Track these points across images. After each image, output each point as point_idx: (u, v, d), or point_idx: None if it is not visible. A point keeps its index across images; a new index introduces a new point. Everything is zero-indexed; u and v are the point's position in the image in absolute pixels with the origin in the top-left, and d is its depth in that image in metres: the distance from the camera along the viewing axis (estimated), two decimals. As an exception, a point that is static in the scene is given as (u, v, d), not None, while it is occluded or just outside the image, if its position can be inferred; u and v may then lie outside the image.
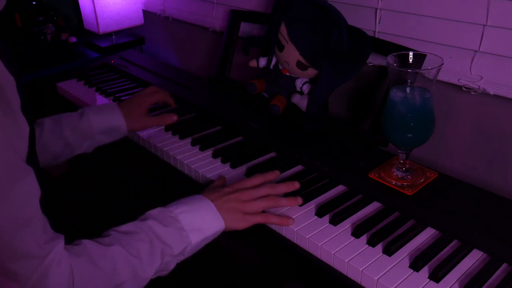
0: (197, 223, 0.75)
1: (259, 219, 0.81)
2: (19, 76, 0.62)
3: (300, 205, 0.86)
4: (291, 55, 1.08)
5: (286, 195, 0.85)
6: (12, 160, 0.57)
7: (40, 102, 1.59)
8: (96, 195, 1.12)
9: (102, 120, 1.01)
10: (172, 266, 0.74)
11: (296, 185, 0.85)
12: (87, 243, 0.67)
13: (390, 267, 0.72)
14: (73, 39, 1.87)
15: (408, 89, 0.84)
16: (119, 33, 1.83)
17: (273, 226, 0.84)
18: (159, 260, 0.71)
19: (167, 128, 1.14)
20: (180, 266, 0.76)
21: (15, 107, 0.58)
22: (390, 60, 0.84)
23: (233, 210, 0.79)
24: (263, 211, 0.83)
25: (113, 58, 1.65)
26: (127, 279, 0.67)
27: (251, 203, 0.81)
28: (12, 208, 0.57)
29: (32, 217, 0.60)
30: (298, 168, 0.98)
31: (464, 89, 0.96)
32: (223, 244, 1.00)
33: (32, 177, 0.60)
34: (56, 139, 0.96)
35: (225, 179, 0.93)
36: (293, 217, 0.83)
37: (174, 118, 1.10)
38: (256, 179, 0.85)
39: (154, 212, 0.75)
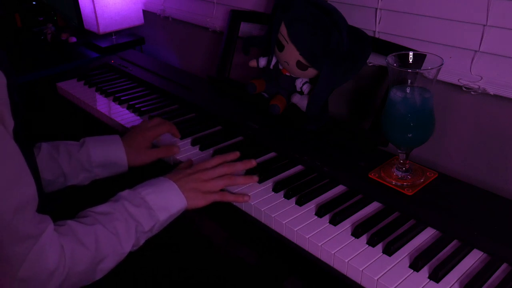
0: (163, 202, 0.82)
1: (216, 197, 0.87)
2: (11, 76, 0.64)
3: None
4: (291, 55, 1.08)
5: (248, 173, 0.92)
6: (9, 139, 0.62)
7: (40, 102, 1.59)
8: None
9: (102, 153, 0.97)
10: (142, 241, 0.81)
11: (252, 163, 0.92)
12: (71, 223, 0.73)
13: (390, 267, 0.72)
14: (73, 39, 1.87)
15: (408, 89, 0.84)
16: (119, 33, 1.83)
17: (273, 227, 0.84)
18: (134, 236, 0.78)
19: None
20: (181, 266, 0.77)
21: (2, 106, 0.61)
22: (390, 60, 0.84)
23: (193, 189, 0.86)
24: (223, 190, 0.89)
25: (113, 58, 1.65)
26: (108, 254, 0.74)
27: (209, 182, 0.87)
28: (15, 193, 0.61)
29: (30, 200, 0.64)
30: (298, 168, 0.98)
31: (464, 89, 0.96)
32: (222, 245, 1.00)
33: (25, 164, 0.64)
34: (50, 165, 0.93)
35: (191, 161, 0.96)
36: (293, 217, 0.83)
37: (176, 150, 1.03)
38: (216, 160, 0.92)
39: (124, 193, 0.81)
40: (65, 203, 0.85)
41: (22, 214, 0.63)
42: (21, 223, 0.62)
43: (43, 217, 0.68)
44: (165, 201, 0.82)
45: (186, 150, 1.06)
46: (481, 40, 0.92)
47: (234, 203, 0.90)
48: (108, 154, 0.97)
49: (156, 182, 0.85)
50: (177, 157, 1.03)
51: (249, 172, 0.94)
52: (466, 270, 0.72)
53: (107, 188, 1.02)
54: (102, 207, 0.78)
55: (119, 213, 0.77)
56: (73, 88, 1.44)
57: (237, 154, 0.95)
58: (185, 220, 1.06)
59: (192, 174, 0.87)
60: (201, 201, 0.86)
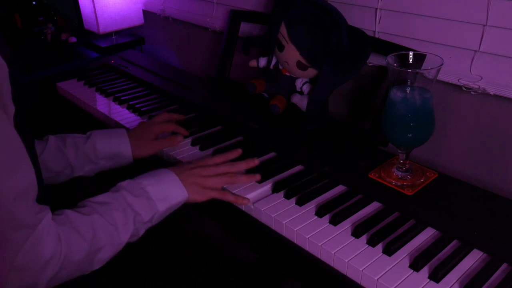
0: (163, 193, 0.82)
1: (216, 195, 0.87)
2: (13, 65, 0.64)
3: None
4: (291, 55, 1.08)
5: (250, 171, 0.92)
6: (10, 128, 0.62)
7: (40, 102, 1.59)
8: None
9: (107, 145, 0.99)
10: (142, 232, 0.80)
11: (255, 162, 0.92)
12: (69, 213, 0.73)
13: (390, 267, 0.72)
14: (73, 39, 1.87)
15: (408, 89, 0.84)
16: (119, 33, 1.83)
17: (273, 227, 0.84)
18: (132, 226, 0.78)
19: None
20: (181, 266, 0.77)
21: (4, 93, 0.61)
22: (390, 60, 0.84)
23: (194, 183, 0.86)
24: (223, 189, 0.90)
25: (113, 58, 1.65)
26: (106, 244, 0.74)
27: (211, 178, 0.87)
28: (14, 180, 0.62)
29: (29, 188, 0.65)
30: (298, 168, 0.98)
31: (464, 89, 0.96)
32: (222, 245, 1.00)
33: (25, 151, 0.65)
34: (57, 157, 0.95)
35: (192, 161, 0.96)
36: (293, 217, 0.83)
37: (180, 139, 1.05)
38: (218, 158, 0.92)
39: (125, 183, 0.81)
40: (69, 194, 0.85)
41: (21, 201, 0.63)
42: (20, 211, 0.63)
43: (41, 206, 0.68)
44: (166, 192, 0.82)
45: (186, 150, 1.06)
46: (481, 40, 0.92)
47: (234, 204, 0.90)
48: (113, 147, 0.99)
49: (157, 173, 0.85)
50: (177, 157, 1.03)
51: (250, 171, 0.94)
52: (466, 270, 0.72)
53: (111, 179, 1.04)
54: (101, 197, 0.78)
55: (118, 203, 0.77)
56: (73, 88, 1.44)
57: (239, 151, 0.95)
58: (185, 219, 1.06)
59: (194, 169, 0.88)
60: (200, 196, 0.87)
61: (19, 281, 0.64)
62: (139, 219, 0.78)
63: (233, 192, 0.90)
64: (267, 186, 0.92)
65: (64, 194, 0.81)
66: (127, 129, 1.06)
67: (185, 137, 1.11)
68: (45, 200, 0.71)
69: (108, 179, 1.03)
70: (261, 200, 0.88)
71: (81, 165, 0.98)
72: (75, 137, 0.99)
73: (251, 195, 0.89)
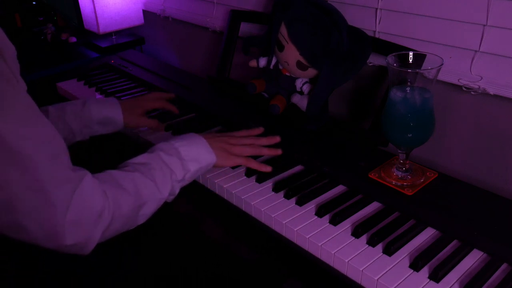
0: (194, 154, 0.87)
1: (242, 161, 0.93)
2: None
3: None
4: (291, 55, 1.08)
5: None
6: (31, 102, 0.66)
7: (40, 102, 1.59)
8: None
9: (101, 110, 1.06)
10: (177, 190, 0.85)
11: (277, 139, 0.98)
12: (111, 172, 0.78)
13: (390, 267, 0.72)
14: (73, 39, 1.87)
15: (408, 89, 0.84)
16: (119, 33, 1.83)
17: (273, 227, 0.84)
18: (170, 183, 0.83)
19: (167, 128, 1.15)
20: (181, 265, 0.77)
21: (15, 72, 0.64)
22: (390, 60, 0.84)
23: (222, 149, 0.92)
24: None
25: (113, 58, 1.65)
26: (148, 199, 0.79)
27: (238, 146, 0.94)
28: (48, 140, 0.66)
29: (63, 149, 0.69)
30: (298, 168, 0.98)
31: (464, 89, 0.96)
32: (223, 244, 1.00)
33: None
34: (60, 125, 1.00)
35: None
36: (293, 217, 0.83)
37: (161, 128, 1.15)
38: (243, 132, 0.99)
39: (160, 145, 0.87)
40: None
41: (59, 160, 0.66)
42: (60, 169, 0.66)
43: (79, 167, 0.71)
44: (196, 153, 0.88)
45: (186, 150, 1.06)
46: (481, 40, 0.92)
47: (234, 203, 0.90)
48: (107, 112, 1.07)
49: (189, 136, 0.91)
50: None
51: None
52: (466, 270, 0.72)
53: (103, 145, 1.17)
54: (139, 158, 0.83)
55: (155, 162, 0.82)
56: (73, 88, 1.44)
57: (261, 129, 1.01)
58: (186, 219, 1.06)
59: (222, 137, 0.94)
60: (228, 161, 0.92)
61: (76, 235, 0.67)
62: (174, 177, 0.83)
63: (234, 191, 0.90)
64: (267, 186, 0.92)
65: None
66: (119, 100, 1.13)
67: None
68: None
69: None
70: (261, 200, 0.88)
71: (79, 130, 1.04)
72: (72, 104, 1.05)
73: (251, 195, 0.89)
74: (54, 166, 0.65)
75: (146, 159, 0.83)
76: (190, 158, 0.86)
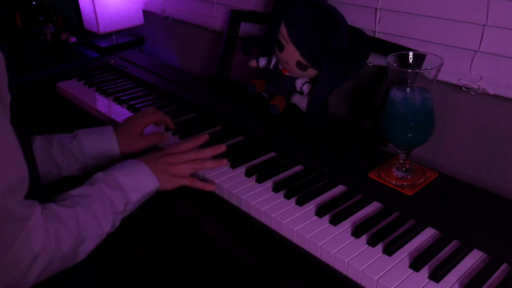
0: (135, 183, 0.84)
1: (185, 182, 0.90)
2: (10, 59, 0.65)
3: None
4: (291, 55, 1.08)
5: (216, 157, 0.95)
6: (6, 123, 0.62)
7: (40, 102, 1.59)
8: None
9: (94, 143, 0.99)
10: (118, 222, 0.82)
11: (222, 148, 0.94)
12: (53, 206, 0.73)
13: (390, 267, 0.72)
14: (73, 39, 1.87)
15: (408, 89, 0.84)
16: (119, 33, 1.83)
17: (273, 227, 0.84)
18: (111, 217, 0.80)
19: (167, 128, 1.14)
20: (180, 265, 0.77)
21: (2, 84, 0.62)
22: (390, 60, 0.84)
23: (163, 172, 0.88)
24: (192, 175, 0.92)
25: (113, 58, 1.65)
26: (89, 235, 0.76)
27: (179, 166, 0.89)
28: (6, 172, 0.61)
29: (21, 182, 0.65)
30: (298, 168, 0.98)
31: (464, 89, 0.96)
32: (222, 244, 1.00)
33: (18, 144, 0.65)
34: (44, 157, 0.94)
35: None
36: (293, 217, 0.83)
37: (167, 136, 1.07)
38: (186, 145, 0.94)
39: (99, 176, 0.83)
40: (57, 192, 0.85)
41: (13, 194, 0.63)
42: (12, 204, 0.62)
43: (31, 201, 0.68)
44: (138, 182, 0.84)
45: (186, 150, 1.06)
46: (481, 40, 0.92)
47: (234, 203, 0.90)
48: (100, 145, 0.99)
49: (128, 164, 0.87)
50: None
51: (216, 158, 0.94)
52: (466, 270, 0.72)
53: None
54: (79, 190, 0.80)
55: (96, 195, 0.79)
56: (73, 88, 1.44)
57: (206, 137, 0.97)
58: (185, 219, 1.06)
59: (161, 157, 0.90)
60: (169, 184, 0.89)
61: (8, 277, 0.63)
62: (115, 209, 0.80)
63: (234, 191, 0.90)
64: (267, 186, 0.92)
65: (54, 195, 0.80)
66: (115, 125, 1.05)
67: (185, 137, 1.11)
68: (39, 195, 0.71)
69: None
70: (261, 200, 0.88)
71: (68, 164, 0.97)
72: (61, 136, 0.99)
73: (251, 195, 0.89)
74: (8, 201, 0.61)
75: (87, 191, 0.79)
76: (132, 188, 0.83)
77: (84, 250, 0.76)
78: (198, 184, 0.91)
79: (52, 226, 0.70)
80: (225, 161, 0.94)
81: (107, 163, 0.99)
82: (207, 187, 0.91)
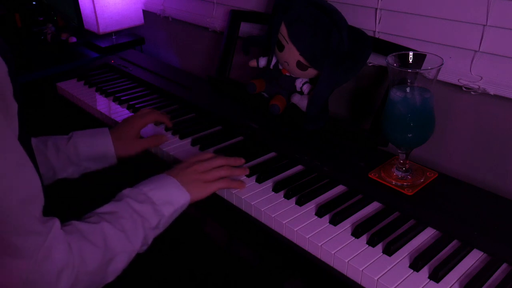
0: (166, 197, 0.81)
1: (220, 185, 0.88)
2: (13, 63, 0.63)
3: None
4: (291, 55, 1.08)
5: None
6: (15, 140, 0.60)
7: (40, 102, 1.59)
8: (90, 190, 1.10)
9: (89, 145, 0.97)
10: (150, 240, 0.79)
11: (242, 160, 0.94)
12: (75, 222, 0.71)
13: (390, 267, 0.72)
14: (73, 39, 1.87)
15: (408, 89, 0.84)
16: (119, 33, 1.83)
17: (273, 227, 0.84)
18: (142, 232, 0.76)
19: (167, 128, 1.14)
20: (182, 265, 0.77)
21: (6, 93, 0.60)
22: (390, 60, 0.84)
23: (194, 181, 0.85)
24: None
25: (113, 58, 1.65)
26: (118, 253, 0.72)
27: (209, 172, 0.88)
28: (20, 184, 0.60)
29: (36, 196, 0.63)
30: (298, 168, 0.98)
31: (464, 89, 0.96)
32: (223, 245, 1.00)
33: (28, 158, 0.63)
34: (39, 159, 0.89)
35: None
36: (293, 217, 0.83)
37: (165, 138, 1.06)
38: (209, 154, 0.93)
39: (126, 191, 0.79)
40: (56, 197, 0.83)
41: (29, 207, 0.60)
42: (29, 218, 0.60)
43: (49, 217, 0.66)
44: (168, 195, 0.81)
45: (186, 150, 1.06)
46: (481, 40, 0.92)
47: (234, 204, 0.90)
48: (95, 147, 0.97)
49: (156, 178, 0.84)
50: (177, 157, 1.03)
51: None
52: (466, 270, 0.72)
53: (97, 181, 1.04)
54: (106, 207, 0.76)
55: (124, 211, 0.75)
56: (73, 88, 1.44)
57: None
58: (187, 220, 1.06)
59: (188, 168, 0.87)
60: (203, 192, 0.86)
61: None
62: (147, 225, 0.77)
63: (234, 192, 0.90)
64: (267, 186, 0.92)
65: (50, 198, 0.79)
66: (113, 126, 1.03)
67: (185, 137, 1.11)
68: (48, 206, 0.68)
69: (93, 180, 1.03)
70: (261, 200, 0.88)
71: (63, 167, 0.95)
72: (56, 138, 0.97)
73: (251, 195, 0.89)
74: (24, 213, 0.59)
75: (113, 208, 0.76)
76: (163, 201, 0.79)
77: (114, 269, 0.72)
78: (235, 184, 0.89)
79: (75, 241, 0.67)
80: (247, 169, 0.93)
81: (103, 167, 1.00)
82: (242, 185, 0.90)
